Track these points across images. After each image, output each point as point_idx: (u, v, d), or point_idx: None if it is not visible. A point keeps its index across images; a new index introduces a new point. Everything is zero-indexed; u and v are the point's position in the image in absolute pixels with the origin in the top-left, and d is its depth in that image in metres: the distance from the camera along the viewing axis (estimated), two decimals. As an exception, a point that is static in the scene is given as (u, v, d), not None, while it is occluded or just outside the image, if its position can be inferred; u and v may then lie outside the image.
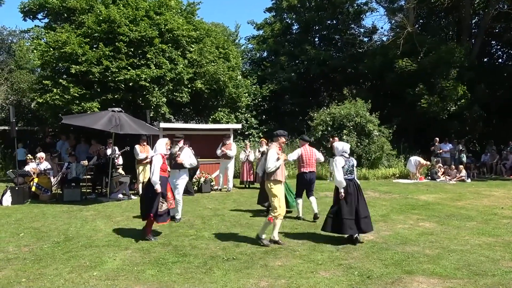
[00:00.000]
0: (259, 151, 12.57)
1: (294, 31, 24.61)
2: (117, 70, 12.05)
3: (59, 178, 10.91)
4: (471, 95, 17.14)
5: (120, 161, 10.94)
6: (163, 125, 11.90)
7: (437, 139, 15.58)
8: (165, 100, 12.91)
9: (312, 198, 7.54)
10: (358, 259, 5.08)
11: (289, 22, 24.42)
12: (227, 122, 15.02)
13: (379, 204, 9.17)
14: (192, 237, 6.21)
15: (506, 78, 19.01)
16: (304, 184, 7.47)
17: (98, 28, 12.46)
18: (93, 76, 11.97)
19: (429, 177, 14.58)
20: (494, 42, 22.00)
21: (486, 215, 7.85)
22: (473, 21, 21.02)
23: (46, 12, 15.02)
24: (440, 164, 14.76)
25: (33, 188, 10.08)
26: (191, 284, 4.27)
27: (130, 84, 12.14)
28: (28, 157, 11.24)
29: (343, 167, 5.75)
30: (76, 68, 11.85)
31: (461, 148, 15.72)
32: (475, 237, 6.15)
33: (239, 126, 14.33)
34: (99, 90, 12.34)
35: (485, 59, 21.84)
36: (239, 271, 4.66)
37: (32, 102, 17.47)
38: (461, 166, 14.58)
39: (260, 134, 19.30)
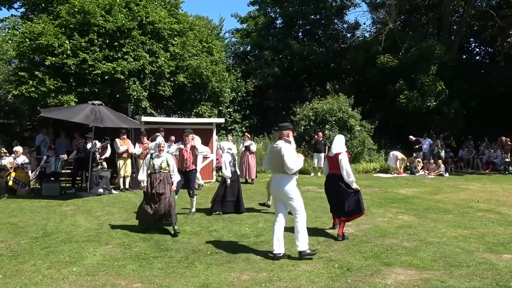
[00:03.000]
0: (243, 145, 12.59)
1: (278, 25, 24.53)
2: (94, 62, 11.76)
3: (37, 172, 10.66)
4: (450, 91, 17.51)
5: (107, 153, 10.75)
6: (144, 118, 11.77)
7: (412, 137, 15.70)
8: (146, 94, 12.68)
9: None
10: (339, 252, 5.16)
11: (273, 16, 24.31)
12: (210, 116, 14.93)
13: (360, 198, 9.30)
14: (174, 232, 6.18)
15: (484, 75, 19.47)
16: None
17: (73, 19, 12.11)
18: (69, 69, 11.65)
19: (409, 172, 14.88)
20: (472, 39, 22.50)
21: (462, 208, 8.07)
22: (453, 18, 21.43)
23: (22, 1, 14.52)
24: (419, 159, 15.08)
25: (10, 183, 9.82)
26: (172, 279, 4.26)
27: (105, 77, 11.84)
28: (2, 151, 10.92)
29: (229, 162, 7.67)
30: (52, 60, 11.50)
31: (439, 143, 16.06)
32: (451, 229, 6.33)
33: (222, 120, 14.26)
34: (75, 83, 12.01)
35: (464, 56, 22.32)
36: (221, 265, 4.68)
37: (8, 94, 16.92)
38: (439, 161, 14.92)
39: (242, 128, 19.26)
